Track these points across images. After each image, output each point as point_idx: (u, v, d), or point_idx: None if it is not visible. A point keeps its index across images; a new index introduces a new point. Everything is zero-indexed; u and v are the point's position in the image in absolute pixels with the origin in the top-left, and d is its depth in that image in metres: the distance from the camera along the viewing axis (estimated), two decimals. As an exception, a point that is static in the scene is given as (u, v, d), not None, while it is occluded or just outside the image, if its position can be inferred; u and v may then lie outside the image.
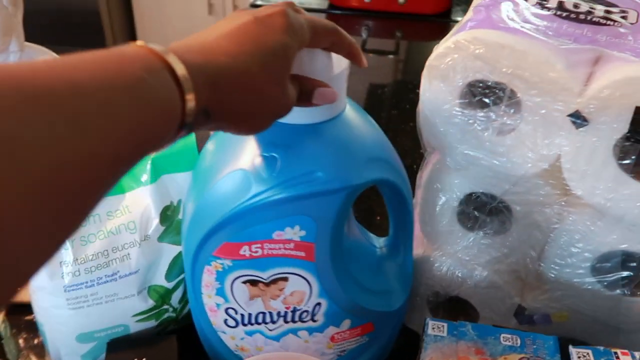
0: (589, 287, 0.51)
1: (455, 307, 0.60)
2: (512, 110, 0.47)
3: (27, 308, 0.65)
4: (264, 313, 0.51)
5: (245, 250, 0.47)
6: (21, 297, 0.65)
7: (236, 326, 0.52)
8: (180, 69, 0.30)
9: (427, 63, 0.49)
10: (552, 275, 0.53)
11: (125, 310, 0.57)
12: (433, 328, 0.47)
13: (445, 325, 0.47)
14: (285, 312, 0.51)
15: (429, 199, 0.56)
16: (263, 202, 0.45)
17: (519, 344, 0.46)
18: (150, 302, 0.58)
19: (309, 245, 0.47)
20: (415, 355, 0.53)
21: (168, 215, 0.56)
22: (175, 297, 0.60)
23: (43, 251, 0.25)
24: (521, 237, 0.53)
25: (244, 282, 0.49)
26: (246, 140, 0.46)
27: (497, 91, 0.47)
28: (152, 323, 0.59)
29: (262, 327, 0.52)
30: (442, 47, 0.48)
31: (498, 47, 0.45)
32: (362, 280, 0.52)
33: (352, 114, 0.49)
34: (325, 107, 0.44)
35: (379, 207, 0.80)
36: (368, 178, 0.47)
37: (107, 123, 0.26)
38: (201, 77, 0.32)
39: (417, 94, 0.51)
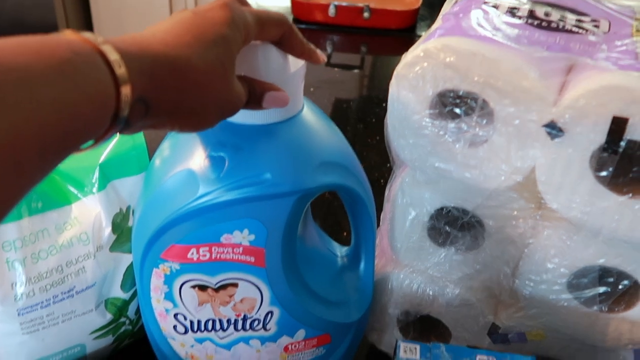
0: (566, 303, 0.49)
1: (427, 327, 0.58)
2: (484, 121, 0.45)
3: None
4: (213, 320, 0.48)
5: (193, 254, 0.44)
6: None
7: (185, 332, 0.49)
8: (112, 54, 0.29)
9: (395, 72, 0.47)
10: (527, 292, 0.51)
11: (83, 327, 0.53)
12: (405, 351, 0.44)
13: (418, 347, 0.45)
14: (236, 320, 0.48)
15: (398, 214, 0.53)
16: (210, 203, 0.43)
17: (495, 367, 0.43)
18: (109, 316, 0.55)
19: (259, 250, 0.44)
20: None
21: (118, 223, 0.53)
22: (132, 308, 0.57)
23: None
24: (494, 253, 0.51)
25: (193, 287, 0.46)
26: (196, 140, 0.44)
27: (468, 101, 0.45)
28: (109, 339, 0.56)
29: (212, 334, 0.49)
30: (411, 56, 0.46)
31: (469, 55, 0.43)
32: (318, 289, 0.50)
33: (310, 116, 0.47)
34: (280, 108, 0.42)
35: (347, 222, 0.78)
36: (321, 182, 0.45)
37: (27, 100, 0.24)
38: (136, 64, 0.30)
39: (383, 108, 0.49)
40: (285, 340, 0.50)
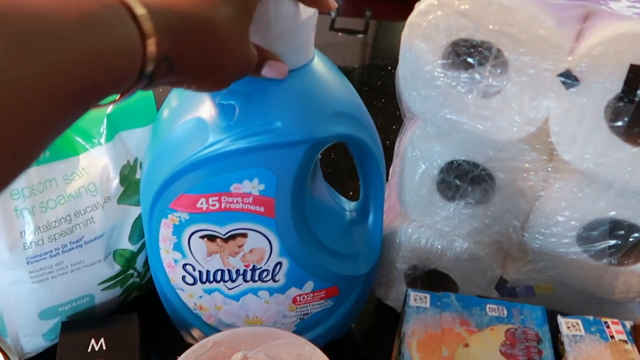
0: (575, 257, 0.49)
1: (434, 281, 0.58)
2: (498, 71, 0.45)
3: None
4: (222, 270, 0.48)
5: (202, 203, 0.44)
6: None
7: (194, 283, 0.50)
8: (139, 9, 0.28)
9: (408, 21, 0.46)
10: (536, 246, 0.51)
11: (92, 278, 0.53)
12: (415, 299, 0.45)
13: (428, 296, 0.45)
14: (245, 271, 0.48)
15: (408, 167, 0.53)
16: (219, 152, 0.42)
17: (505, 315, 0.44)
18: (117, 268, 0.55)
19: (269, 201, 0.44)
20: (393, 333, 0.51)
21: (126, 175, 0.53)
22: (140, 260, 0.57)
23: None
24: (504, 207, 0.51)
25: (202, 237, 0.46)
26: None
27: (482, 51, 0.45)
28: (117, 291, 0.56)
29: (220, 285, 0.49)
30: (425, 4, 0.45)
31: (484, 3, 0.43)
32: (327, 242, 0.50)
33: (320, 66, 0.46)
34: (290, 56, 0.42)
35: (352, 182, 0.78)
36: (331, 132, 0.44)
37: (55, 49, 0.23)
38: (162, 22, 0.30)
39: (388, 72, 0.49)
40: (293, 291, 0.50)
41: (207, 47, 0.33)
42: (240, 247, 0.47)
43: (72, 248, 0.51)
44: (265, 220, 0.45)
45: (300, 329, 0.54)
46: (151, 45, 0.29)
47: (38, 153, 0.25)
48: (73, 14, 0.25)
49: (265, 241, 0.47)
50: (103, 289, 0.55)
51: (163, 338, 0.58)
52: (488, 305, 0.45)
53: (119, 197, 0.53)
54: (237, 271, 0.49)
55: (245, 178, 0.43)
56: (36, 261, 0.49)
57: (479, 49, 0.44)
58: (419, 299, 0.45)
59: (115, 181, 0.52)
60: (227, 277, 0.49)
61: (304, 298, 0.51)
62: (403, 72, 0.48)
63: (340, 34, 1.34)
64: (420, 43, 0.46)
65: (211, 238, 0.46)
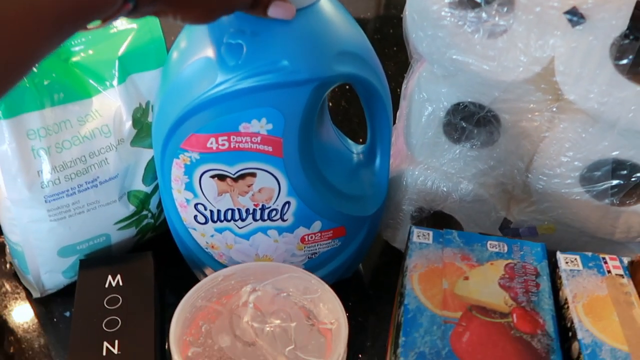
0: (577, 197, 0.50)
1: (439, 223, 0.59)
2: (504, 9, 0.45)
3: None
4: (232, 210, 0.50)
5: (212, 143, 0.45)
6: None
7: (206, 222, 0.51)
8: None
9: (416, -40, 0.46)
10: (540, 187, 0.51)
11: (107, 217, 0.55)
12: (418, 236, 0.46)
13: (431, 232, 0.46)
14: (254, 210, 0.50)
15: (415, 109, 0.53)
16: (228, 91, 0.43)
17: (505, 251, 0.45)
18: (131, 208, 0.57)
19: (277, 140, 0.45)
20: (398, 273, 0.52)
21: (138, 117, 0.54)
22: (154, 202, 0.58)
23: None
24: (509, 148, 0.51)
25: (212, 177, 0.48)
26: (214, 29, 0.44)
27: (489, -11, 0.44)
28: (132, 231, 0.58)
29: (231, 224, 0.51)
30: (433, -59, 0.45)
31: (492, -61, 0.42)
32: (335, 182, 0.51)
33: (328, 6, 0.46)
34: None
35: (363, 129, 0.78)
36: (338, 72, 0.45)
37: None
38: None
39: (400, 20, 0.49)
40: (301, 231, 0.52)
41: None
42: (249, 186, 0.48)
43: (88, 188, 0.52)
44: (273, 159, 0.47)
45: (309, 268, 0.55)
46: None
47: (27, 68, 0.26)
48: None
49: (274, 180, 0.48)
50: (119, 229, 0.57)
51: (176, 278, 0.60)
52: (489, 242, 0.46)
53: (132, 139, 0.54)
54: (247, 210, 0.50)
55: (253, 117, 0.44)
56: (54, 200, 0.51)
57: (486, -13, 0.44)
58: (421, 236, 0.46)
59: (128, 123, 0.53)
60: (237, 216, 0.51)
61: (312, 237, 0.53)
62: (410, 13, 0.48)
63: (353, -18, 1.32)
64: (427, -18, 0.46)
65: (221, 177, 0.48)
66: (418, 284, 0.42)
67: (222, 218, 0.51)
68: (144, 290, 0.53)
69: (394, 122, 0.58)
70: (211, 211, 0.50)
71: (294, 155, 0.47)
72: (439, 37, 0.48)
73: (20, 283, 0.59)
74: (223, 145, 0.46)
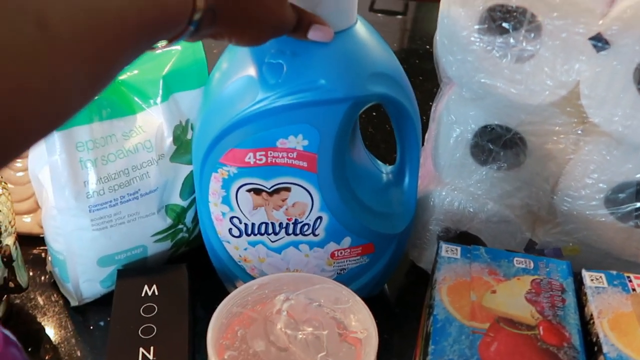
0: (602, 219, 0.51)
1: (465, 244, 0.60)
2: (532, 35, 0.47)
3: (34, 241, 0.65)
4: (266, 223, 0.52)
5: (250, 158, 0.48)
6: (29, 228, 0.65)
7: (240, 236, 0.53)
8: None
9: (447, -12, 0.49)
10: (565, 208, 0.53)
11: (146, 229, 0.58)
12: (447, 251, 0.47)
13: (459, 248, 0.48)
14: (287, 224, 0.52)
15: (443, 131, 0.55)
16: (267, 108, 0.46)
17: (532, 267, 0.46)
18: (169, 221, 0.59)
19: (312, 156, 0.47)
20: (424, 294, 0.53)
21: (178, 134, 0.57)
22: (189, 216, 0.61)
23: (69, 98, 0.26)
24: (535, 170, 0.53)
25: (248, 191, 0.50)
26: (256, 49, 0.47)
27: (517, 15, 0.47)
28: (167, 244, 0.60)
29: (264, 237, 0.53)
30: (463, -29, 0.47)
31: (520, -31, 0.45)
32: (365, 199, 0.53)
33: (363, 31, 0.49)
34: (335, 19, 0.45)
35: (389, 154, 0.80)
36: (372, 91, 0.47)
37: None
38: None
39: (426, 50, 0.51)
40: (332, 246, 0.53)
41: (246, 1, 0.38)
42: (284, 200, 0.50)
43: (130, 199, 0.55)
44: (307, 175, 0.49)
45: (337, 283, 0.57)
46: None
47: (112, 75, 0.28)
48: None
49: (307, 195, 0.50)
50: (155, 241, 0.59)
51: (207, 292, 0.61)
52: (515, 258, 0.47)
53: (172, 155, 0.57)
54: (280, 224, 0.52)
55: (290, 133, 0.47)
56: (97, 209, 0.53)
57: (514, 13, 0.47)
58: (450, 251, 0.48)
59: (169, 140, 0.56)
60: (270, 230, 0.52)
61: (341, 253, 0.54)
62: (441, 38, 0.51)
63: (379, 14, 1.36)
64: (458, 9, 0.48)
65: (257, 191, 0.50)
66: (447, 295, 0.44)
67: (256, 231, 0.53)
68: (178, 300, 0.55)
69: (423, 144, 0.60)
70: (246, 224, 0.52)
71: (328, 171, 0.49)
72: (468, 61, 0.50)
73: (58, 293, 0.61)
74: (260, 160, 0.48)
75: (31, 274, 0.63)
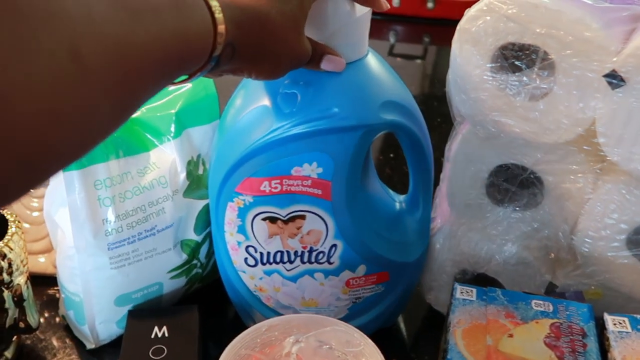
0: (625, 261, 0.49)
1: (483, 286, 0.59)
2: (545, 73, 0.46)
3: (48, 281, 0.65)
4: (282, 252, 0.51)
5: (265, 186, 0.48)
6: (43, 268, 0.65)
7: (255, 265, 0.53)
8: (214, 1, 0.34)
9: (458, 27, 0.49)
10: (585, 250, 0.51)
11: (162, 265, 0.57)
12: (462, 292, 0.46)
13: (474, 290, 0.46)
14: (302, 252, 0.51)
15: (458, 170, 0.55)
16: (282, 136, 0.46)
17: (551, 310, 0.44)
18: (184, 257, 0.59)
19: (326, 183, 0.47)
20: (439, 335, 0.52)
21: (190, 170, 0.57)
22: (203, 251, 0.61)
23: (95, 127, 0.26)
24: (553, 210, 0.52)
25: (264, 219, 0.50)
26: (269, 82, 0.48)
27: (530, 53, 0.46)
28: (182, 281, 0.60)
29: (280, 266, 0.52)
30: (474, 10, 0.47)
31: (531, 6, 0.45)
32: (379, 227, 0.53)
33: (374, 61, 0.50)
34: (347, 51, 0.46)
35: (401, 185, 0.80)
36: (384, 119, 0.47)
37: (158, 22, 0.29)
38: (228, 12, 0.35)
39: (444, 93, 0.52)
40: (347, 274, 0.53)
41: (263, 37, 0.39)
42: (299, 228, 0.50)
43: (147, 236, 0.55)
44: (322, 202, 0.49)
45: (353, 313, 0.56)
46: (221, 31, 0.34)
47: (132, 110, 0.29)
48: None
49: (322, 223, 0.50)
50: (171, 278, 0.59)
51: (220, 330, 0.61)
52: (534, 301, 0.45)
53: (185, 190, 0.57)
54: (295, 252, 0.52)
55: (305, 161, 0.47)
56: (116, 247, 0.54)
57: (527, 52, 0.46)
58: (465, 292, 0.46)
59: (182, 175, 0.57)
60: (286, 259, 0.52)
61: (356, 281, 0.54)
62: (453, 77, 0.51)
63: (398, 59, 1.37)
64: (469, 48, 0.48)
65: (272, 220, 0.50)
66: (462, 339, 0.42)
67: (272, 260, 0.53)
68: (188, 343, 0.54)
69: (437, 184, 0.59)
70: (261, 253, 0.52)
71: (342, 198, 0.49)
72: (481, 100, 0.49)
73: (71, 334, 0.60)
74: (275, 188, 0.48)
75: (46, 315, 0.63)
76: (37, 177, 0.24)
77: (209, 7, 0.34)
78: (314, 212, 0.49)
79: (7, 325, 0.53)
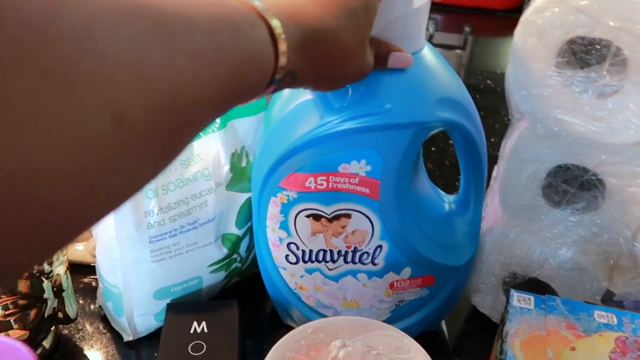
0: (691, 270, 0.47)
1: (534, 291, 0.56)
2: (616, 70, 0.43)
3: (85, 270, 0.65)
4: (324, 250, 0.50)
5: (310, 182, 0.46)
6: (81, 256, 0.64)
7: (297, 262, 0.51)
8: (278, 28, 0.31)
9: (522, 19, 0.46)
10: (649, 257, 0.48)
11: (202, 260, 0.56)
12: (518, 300, 0.44)
13: (532, 298, 0.44)
14: (346, 252, 0.49)
15: (513, 170, 0.52)
16: (331, 131, 0.44)
17: (615, 323, 0.42)
18: (224, 251, 0.57)
19: (374, 182, 0.45)
20: (484, 338, 0.49)
21: (234, 162, 0.55)
22: (244, 245, 0.59)
23: (146, 170, 0.24)
24: (615, 214, 0.49)
25: (307, 216, 0.48)
26: None
27: (600, 49, 0.43)
28: (221, 275, 0.58)
29: (321, 265, 0.51)
30: (541, 1, 0.44)
31: (605, -1, 0.42)
32: (427, 229, 0.50)
33: (430, 56, 0.47)
34: (403, 43, 0.44)
35: (441, 180, 0.77)
36: (438, 117, 0.45)
37: (216, 63, 0.26)
38: (292, 40, 0.32)
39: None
40: (391, 276, 0.51)
41: (327, 59, 0.36)
42: (343, 227, 0.48)
43: (189, 229, 0.54)
44: (369, 201, 0.46)
45: (395, 316, 0.54)
46: (282, 62, 0.31)
47: (177, 154, 0.26)
48: (228, 34, 0.27)
49: (368, 223, 0.48)
50: (211, 272, 0.57)
51: (257, 326, 0.59)
52: (596, 312, 0.43)
53: (228, 183, 0.56)
54: (339, 252, 0.50)
55: (353, 158, 0.45)
56: (157, 240, 0.52)
57: (597, 46, 0.43)
58: (522, 300, 0.44)
59: (226, 167, 0.55)
60: (328, 258, 0.50)
61: (400, 284, 0.52)
62: (514, 71, 0.48)
63: (438, 49, 1.34)
64: (534, 41, 0.45)
65: (316, 217, 0.48)
66: (520, 351, 0.40)
67: (314, 259, 0.51)
68: (227, 339, 0.53)
69: (489, 181, 0.57)
70: (303, 251, 0.50)
71: (390, 198, 0.47)
72: (544, 97, 0.47)
73: (107, 324, 0.59)
74: (321, 185, 0.46)
75: (81, 302, 0.62)
76: (69, 240, 0.22)
77: (272, 35, 0.30)
78: (360, 211, 0.47)
79: (46, 315, 0.52)
